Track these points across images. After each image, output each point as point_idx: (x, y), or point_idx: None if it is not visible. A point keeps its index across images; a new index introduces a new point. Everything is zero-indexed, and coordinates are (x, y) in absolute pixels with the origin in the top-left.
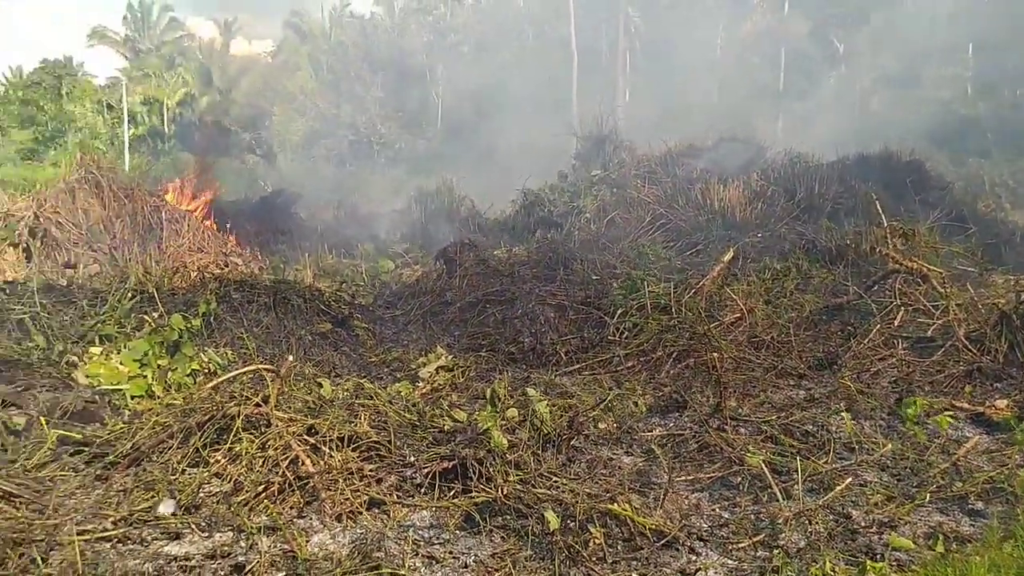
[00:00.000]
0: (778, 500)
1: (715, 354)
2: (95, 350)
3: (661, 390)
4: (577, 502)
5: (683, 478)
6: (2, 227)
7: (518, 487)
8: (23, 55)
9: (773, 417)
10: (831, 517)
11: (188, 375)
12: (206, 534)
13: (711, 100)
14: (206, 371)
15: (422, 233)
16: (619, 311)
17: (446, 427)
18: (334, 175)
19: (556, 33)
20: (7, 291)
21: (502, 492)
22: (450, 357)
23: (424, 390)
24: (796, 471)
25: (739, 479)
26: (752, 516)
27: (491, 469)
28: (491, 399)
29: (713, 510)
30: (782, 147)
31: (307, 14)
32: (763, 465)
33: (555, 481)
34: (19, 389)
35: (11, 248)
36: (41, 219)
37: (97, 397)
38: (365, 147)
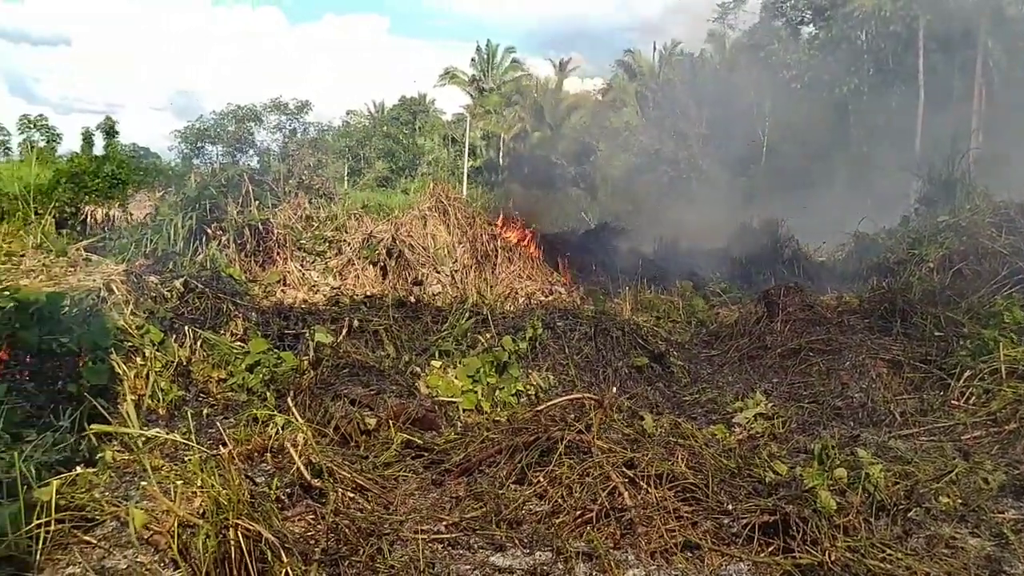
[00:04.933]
0: None
1: None
2: (436, 363)
3: (1017, 467)
4: None
5: None
6: (366, 247)
7: (847, 554)
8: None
9: None
10: None
11: (513, 395)
12: (527, 551)
13: None
14: (529, 392)
15: (742, 272)
16: (966, 373)
17: (766, 478)
18: (653, 210)
19: (901, 67)
20: (367, 304)
21: (829, 557)
22: (769, 404)
23: (741, 436)
24: None
25: None
26: None
27: (816, 530)
28: (819, 455)
29: None
30: None
31: (639, 53)
32: None
33: (889, 554)
34: (372, 393)
35: (371, 266)
36: (397, 241)
37: (435, 407)
38: (685, 183)
